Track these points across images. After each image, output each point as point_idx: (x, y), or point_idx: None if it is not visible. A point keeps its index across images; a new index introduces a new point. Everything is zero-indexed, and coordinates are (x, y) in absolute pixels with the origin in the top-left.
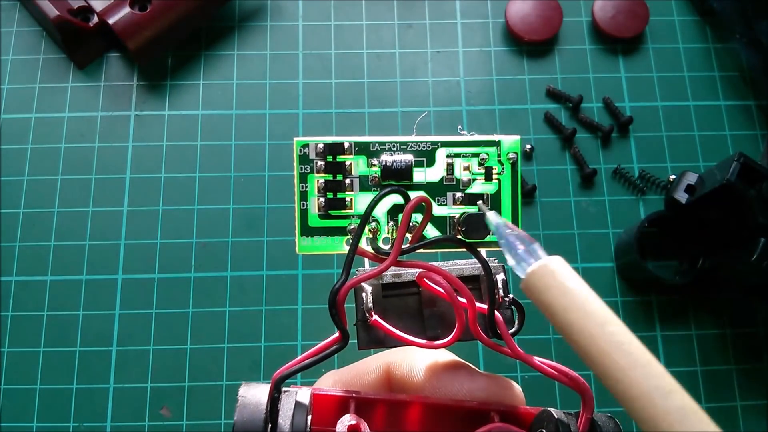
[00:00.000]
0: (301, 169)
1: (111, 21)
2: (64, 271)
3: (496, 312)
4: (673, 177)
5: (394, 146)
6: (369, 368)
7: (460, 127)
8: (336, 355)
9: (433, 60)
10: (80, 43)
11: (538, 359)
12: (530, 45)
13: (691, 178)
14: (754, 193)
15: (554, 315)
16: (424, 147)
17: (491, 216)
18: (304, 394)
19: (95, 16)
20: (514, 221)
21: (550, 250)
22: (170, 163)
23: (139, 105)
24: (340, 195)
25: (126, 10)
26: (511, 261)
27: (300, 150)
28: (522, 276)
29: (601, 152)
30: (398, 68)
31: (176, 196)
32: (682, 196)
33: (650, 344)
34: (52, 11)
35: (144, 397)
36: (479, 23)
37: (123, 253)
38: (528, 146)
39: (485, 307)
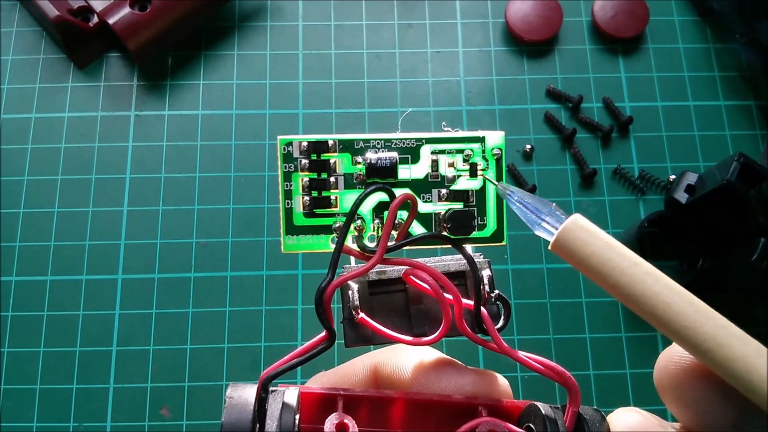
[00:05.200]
0: (285, 168)
1: (111, 21)
2: (64, 271)
3: (482, 308)
4: (673, 177)
5: (378, 143)
6: (356, 369)
7: (444, 123)
8: (332, 354)
9: (433, 60)
10: (80, 43)
11: (523, 354)
12: (530, 45)
13: (691, 178)
14: (754, 193)
15: (589, 261)
16: (408, 144)
17: (501, 186)
18: (291, 394)
19: (95, 16)
20: (499, 215)
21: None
22: (170, 163)
23: (139, 105)
24: (325, 193)
25: (126, 10)
26: (531, 225)
27: (284, 148)
28: (548, 236)
29: (601, 152)
30: (398, 68)
31: (176, 196)
32: (682, 196)
33: (650, 344)
34: (52, 11)
35: (144, 397)
36: (479, 23)
37: (123, 253)
38: (528, 146)
39: (471, 303)
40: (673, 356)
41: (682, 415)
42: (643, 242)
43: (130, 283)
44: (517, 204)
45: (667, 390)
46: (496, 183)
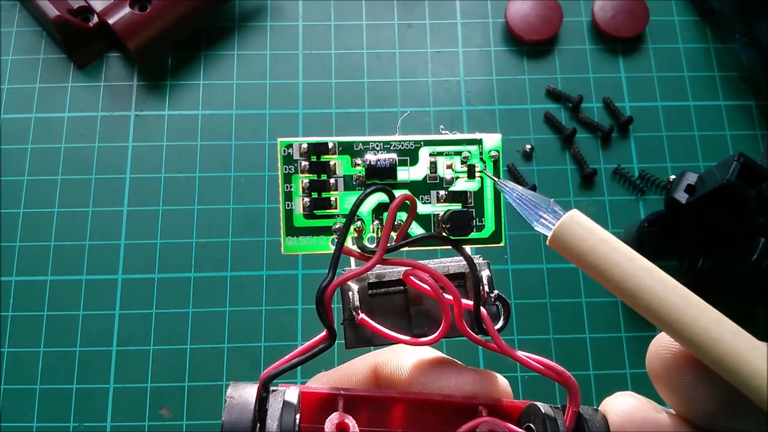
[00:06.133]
0: (286, 170)
1: (111, 21)
2: (64, 271)
3: (482, 308)
4: (673, 177)
5: (377, 145)
6: (356, 369)
7: (442, 126)
8: (332, 354)
9: (433, 60)
10: (80, 43)
11: (522, 354)
12: (530, 45)
13: (691, 178)
14: (754, 193)
15: (585, 257)
16: (407, 146)
17: (500, 182)
18: (292, 393)
19: (95, 16)
20: (497, 217)
21: (551, 250)
22: (170, 163)
23: (139, 105)
24: (324, 195)
25: (126, 10)
26: (529, 220)
27: (284, 150)
28: (547, 231)
29: (601, 152)
30: (398, 68)
31: (176, 196)
32: (682, 196)
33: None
34: (52, 11)
35: (144, 397)
36: (479, 23)
37: (123, 253)
38: (528, 146)
39: (471, 303)
40: (663, 341)
41: (670, 399)
42: (643, 242)
43: (130, 283)
44: (516, 200)
45: (657, 375)
46: (496, 179)
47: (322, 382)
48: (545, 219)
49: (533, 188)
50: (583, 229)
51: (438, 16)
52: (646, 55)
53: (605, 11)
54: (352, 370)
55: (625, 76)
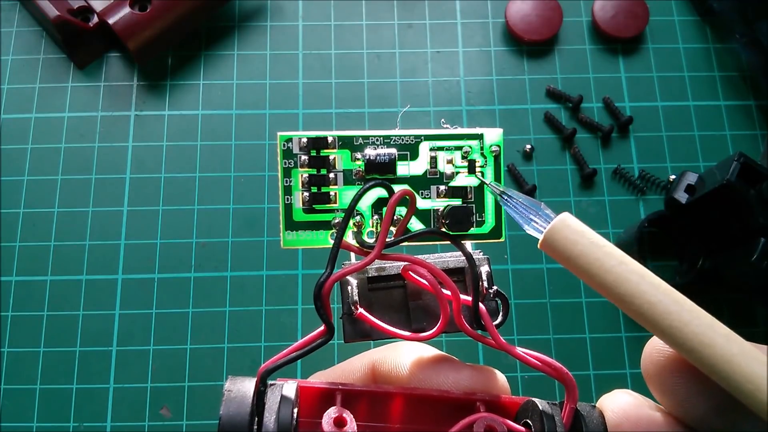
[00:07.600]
0: (285, 164)
1: (111, 21)
2: (64, 271)
3: (481, 304)
4: (673, 177)
5: (377, 140)
6: (354, 367)
7: (443, 120)
8: (332, 351)
9: (433, 60)
10: (80, 43)
11: (520, 350)
12: (530, 45)
13: (691, 178)
14: (754, 193)
15: (576, 260)
16: (407, 141)
17: (493, 185)
18: (290, 387)
19: (95, 16)
20: (497, 212)
21: None
22: (170, 163)
23: (139, 105)
24: (324, 189)
25: (126, 10)
26: (522, 223)
27: (284, 145)
28: (538, 235)
29: (601, 152)
30: (398, 68)
31: (176, 196)
32: (682, 196)
33: None
34: (52, 11)
35: (144, 397)
36: (479, 23)
37: (123, 253)
38: (528, 146)
39: (470, 299)
40: (657, 344)
41: (664, 401)
42: (643, 242)
43: (130, 283)
44: (508, 203)
45: (651, 377)
46: (488, 182)
47: (320, 380)
48: (536, 222)
49: (533, 188)
50: (574, 233)
51: (438, 16)
52: (646, 55)
53: (605, 11)
54: (350, 368)
55: (625, 76)
